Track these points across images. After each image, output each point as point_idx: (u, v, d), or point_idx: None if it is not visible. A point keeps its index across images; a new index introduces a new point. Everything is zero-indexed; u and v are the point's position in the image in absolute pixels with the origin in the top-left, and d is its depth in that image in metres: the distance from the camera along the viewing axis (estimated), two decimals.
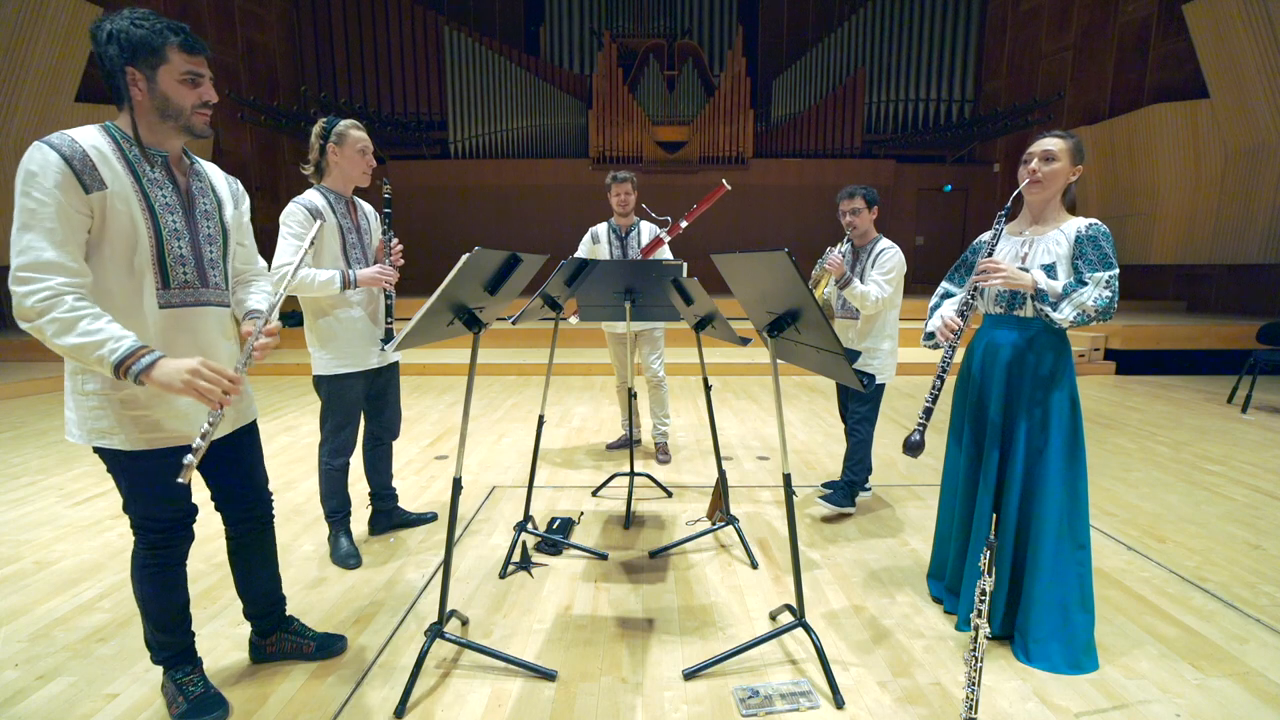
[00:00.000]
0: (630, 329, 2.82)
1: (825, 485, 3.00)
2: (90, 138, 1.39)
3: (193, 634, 1.70)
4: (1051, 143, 1.84)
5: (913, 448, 1.83)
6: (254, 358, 1.54)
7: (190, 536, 1.64)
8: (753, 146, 11.14)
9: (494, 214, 11.53)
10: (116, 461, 1.50)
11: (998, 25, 11.03)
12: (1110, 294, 1.72)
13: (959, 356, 2.04)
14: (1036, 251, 1.89)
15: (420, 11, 11.30)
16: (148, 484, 1.52)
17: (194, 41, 1.43)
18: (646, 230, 3.62)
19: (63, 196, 1.31)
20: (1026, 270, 1.84)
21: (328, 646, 1.89)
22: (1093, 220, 1.84)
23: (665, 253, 3.57)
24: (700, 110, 11.01)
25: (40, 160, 1.31)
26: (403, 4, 11.24)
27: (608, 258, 3.55)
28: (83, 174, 1.34)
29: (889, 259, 2.76)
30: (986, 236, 1.96)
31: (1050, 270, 1.84)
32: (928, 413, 1.82)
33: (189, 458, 1.38)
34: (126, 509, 1.56)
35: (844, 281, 2.74)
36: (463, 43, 10.95)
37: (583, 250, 3.66)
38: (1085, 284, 1.75)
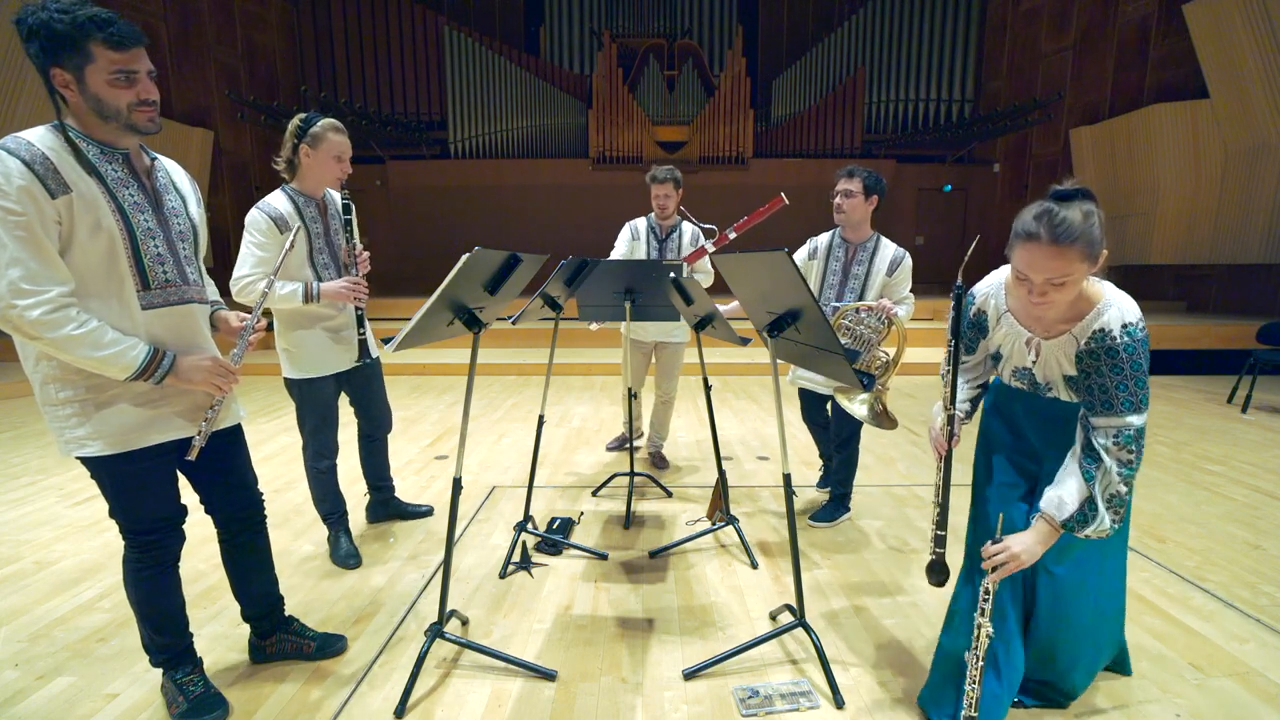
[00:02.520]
0: (626, 333, 2.80)
1: (816, 512, 2.90)
2: (44, 139, 1.30)
3: (191, 635, 1.70)
4: (1058, 257, 1.25)
5: (936, 572, 1.54)
6: (249, 347, 1.57)
7: (181, 538, 1.62)
8: (753, 146, 11.14)
9: (494, 214, 11.53)
10: (100, 468, 1.46)
11: (998, 25, 11.03)
12: (1135, 459, 1.33)
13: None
14: (1048, 359, 1.46)
15: (420, 11, 11.30)
16: (133, 486, 1.50)
17: (123, 35, 1.29)
18: (689, 233, 3.40)
19: (31, 203, 1.25)
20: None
21: (328, 646, 1.89)
22: (1102, 325, 1.33)
23: (705, 262, 3.33)
24: (700, 110, 11.01)
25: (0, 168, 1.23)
26: (403, 4, 11.24)
27: (644, 257, 3.36)
28: (46, 178, 1.26)
29: (908, 269, 2.56)
30: (989, 311, 1.55)
31: (1072, 382, 1.43)
32: (940, 539, 1.53)
33: (196, 439, 1.50)
34: (113, 514, 1.52)
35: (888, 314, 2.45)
36: (463, 43, 10.95)
37: (622, 244, 3.43)
38: (1093, 482, 1.34)
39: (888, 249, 2.60)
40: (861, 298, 2.60)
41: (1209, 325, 6.65)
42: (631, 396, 3.01)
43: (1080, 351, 1.37)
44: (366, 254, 2.34)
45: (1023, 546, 1.38)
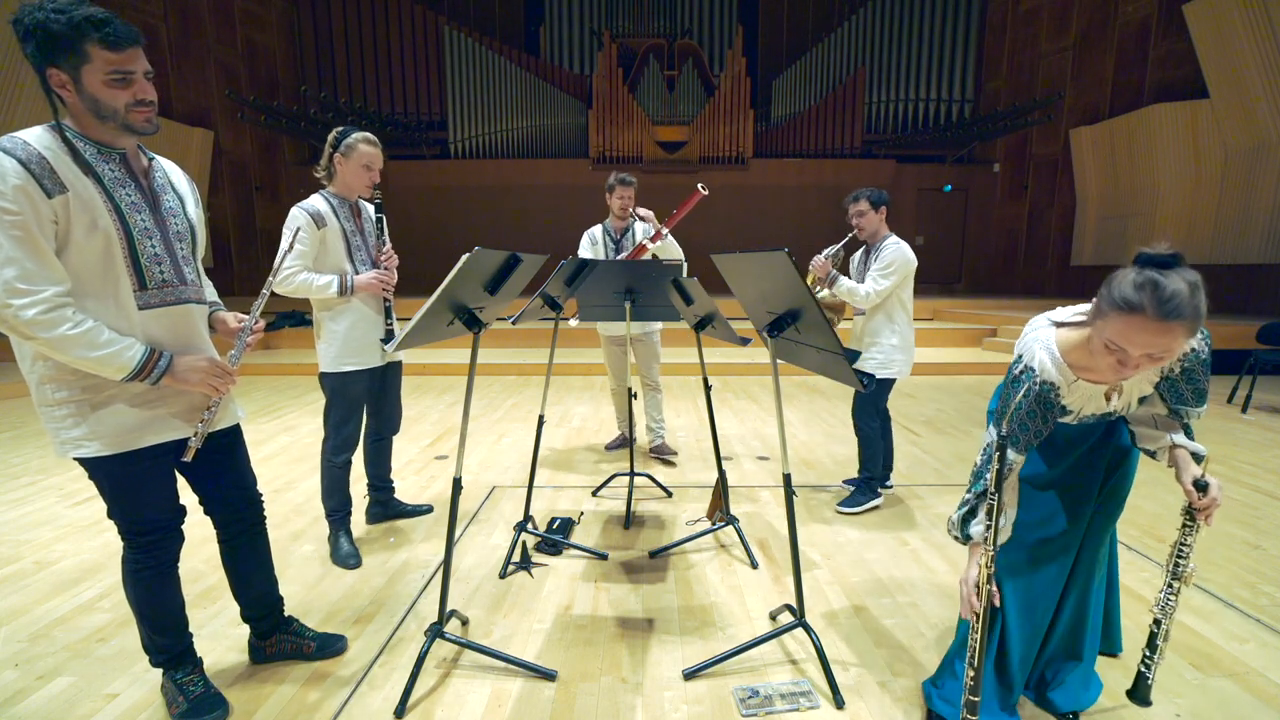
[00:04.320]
0: (628, 333, 2.83)
1: (843, 499, 3.03)
2: (41, 139, 1.30)
3: (190, 635, 1.70)
4: (1164, 334, 1.13)
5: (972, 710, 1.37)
6: (247, 348, 1.56)
7: (180, 538, 1.62)
8: (753, 146, 11.16)
9: (494, 214, 11.54)
10: (97, 468, 1.46)
11: (998, 25, 11.04)
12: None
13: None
14: (1129, 393, 1.41)
15: (420, 11, 11.31)
16: (130, 487, 1.49)
17: (119, 35, 1.28)
18: (640, 232, 3.58)
19: (27, 203, 1.24)
20: (1173, 439, 1.46)
21: (328, 646, 1.89)
22: (1190, 346, 1.32)
23: (675, 249, 3.47)
24: (700, 110, 11.03)
25: None
26: (403, 4, 11.25)
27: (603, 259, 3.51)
28: (42, 178, 1.26)
29: (886, 253, 2.81)
30: (1060, 386, 1.37)
31: (1146, 398, 1.45)
32: (972, 706, 1.36)
33: (192, 440, 1.48)
34: (111, 515, 1.52)
35: (829, 281, 2.86)
36: (463, 43, 10.97)
37: (584, 252, 3.63)
38: (1190, 408, 1.42)
39: (886, 241, 2.89)
40: (862, 281, 2.92)
41: (1209, 325, 6.63)
42: (631, 397, 3.01)
43: (1172, 376, 1.37)
44: (389, 247, 2.52)
45: (1219, 487, 1.40)
